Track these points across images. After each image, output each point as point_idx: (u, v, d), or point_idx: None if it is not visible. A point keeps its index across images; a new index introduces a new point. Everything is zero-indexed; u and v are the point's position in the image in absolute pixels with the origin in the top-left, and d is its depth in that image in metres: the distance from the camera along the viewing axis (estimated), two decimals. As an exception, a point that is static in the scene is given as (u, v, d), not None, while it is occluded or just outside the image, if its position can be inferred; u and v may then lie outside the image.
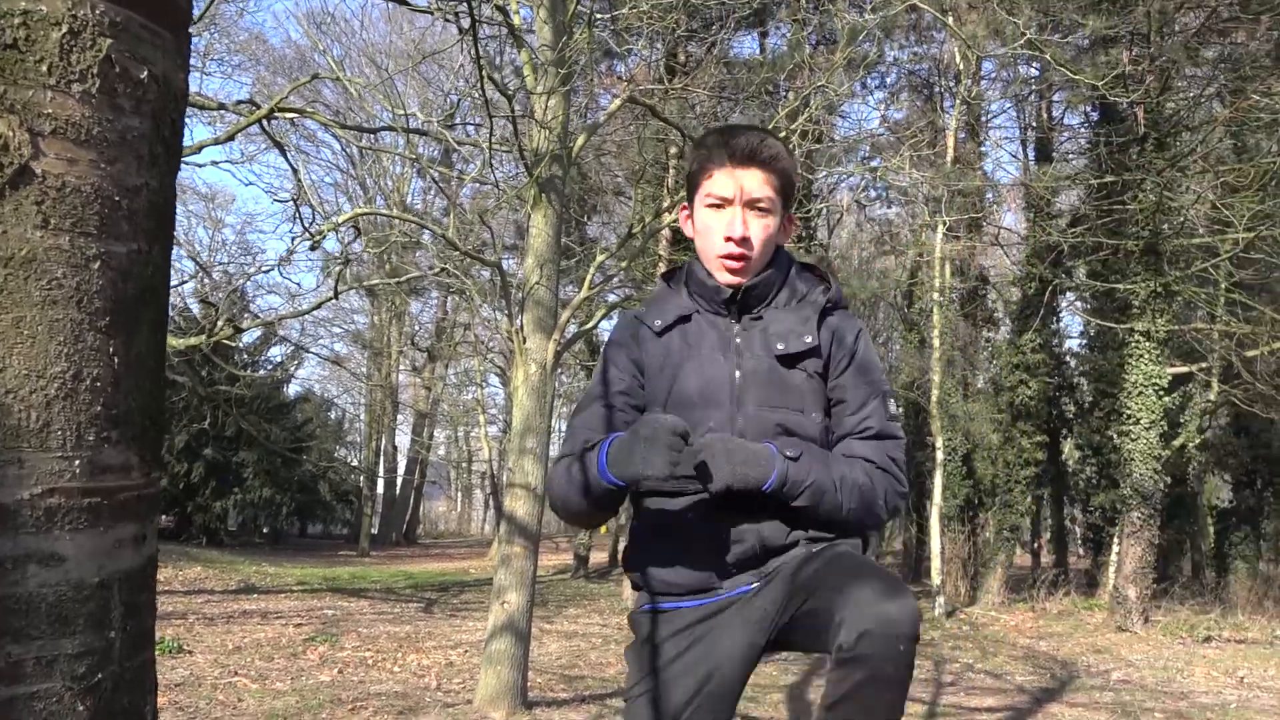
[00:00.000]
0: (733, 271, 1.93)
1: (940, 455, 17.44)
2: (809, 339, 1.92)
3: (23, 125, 0.93)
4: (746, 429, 1.89)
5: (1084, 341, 20.47)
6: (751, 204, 1.91)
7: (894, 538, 24.11)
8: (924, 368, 19.88)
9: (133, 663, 1.03)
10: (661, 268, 17.25)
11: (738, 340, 1.95)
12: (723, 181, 1.92)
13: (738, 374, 1.91)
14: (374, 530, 29.25)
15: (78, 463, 0.97)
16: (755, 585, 1.87)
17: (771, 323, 1.94)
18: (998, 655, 11.15)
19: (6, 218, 0.93)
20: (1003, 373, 19.35)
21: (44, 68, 0.94)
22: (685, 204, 2.06)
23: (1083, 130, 19.96)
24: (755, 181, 1.91)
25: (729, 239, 1.90)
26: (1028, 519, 20.18)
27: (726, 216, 1.92)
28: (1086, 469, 20.18)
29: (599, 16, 9.17)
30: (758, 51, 19.86)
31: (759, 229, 1.92)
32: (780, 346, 1.91)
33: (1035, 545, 23.58)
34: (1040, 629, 13.88)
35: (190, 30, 1.14)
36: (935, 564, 16.50)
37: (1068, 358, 20.66)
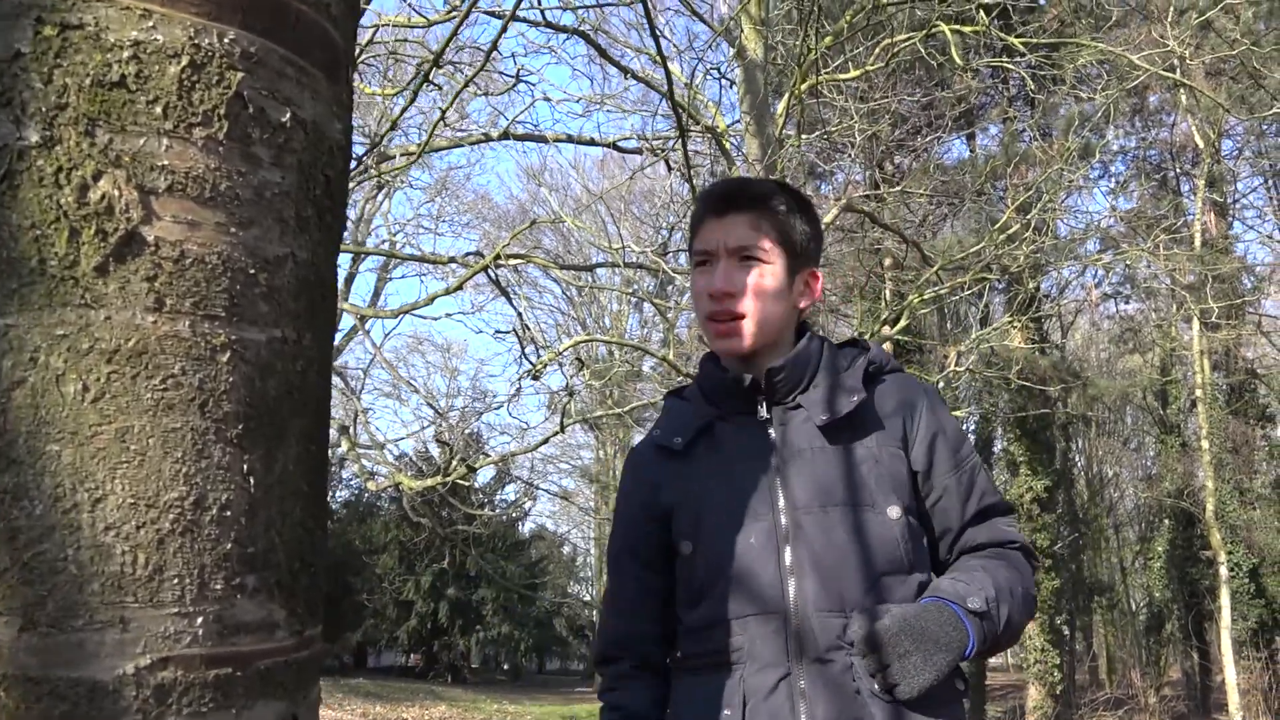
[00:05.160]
0: (722, 334, 1.56)
1: (1224, 572, 15.49)
2: (856, 397, 1.51)
3: (131, 181, 0.73)
4: (794, 537, 1.47)
5: (1387, 432, 17.96)
6: (735, 253, 1.55)
7: (1170, 667, 21.52)
8: (1189, 473, 17.98)
9: None
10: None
11: (773, 434, 1.55)
12: (704, 234, 1.58)
13: (775, 466, 1.52)
14: (609, 666, 29.00)
15: (200, 621, 0.72)
16: None
17: (816, 402, 1.54)
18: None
19: (110, 299, 0.72)
20: (1288, 474, 17.22)
21: (158, 109, 0.74)
22: None
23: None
24: (739, 228, 1.55)
25: (711, 294, 1.54)
26: (1342, 642, 17.46)
27: (709, 272, 1.56)
28: None
29: (805, 138, 9.04)
30: (966, 154, 19.28)
31: (749, 278, 1.54)
32: (824, 416, 1.50)
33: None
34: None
35: (351, 76, 0.94)
36: (1233, 697, 14.45)
37: (1369, 452, 18.14)
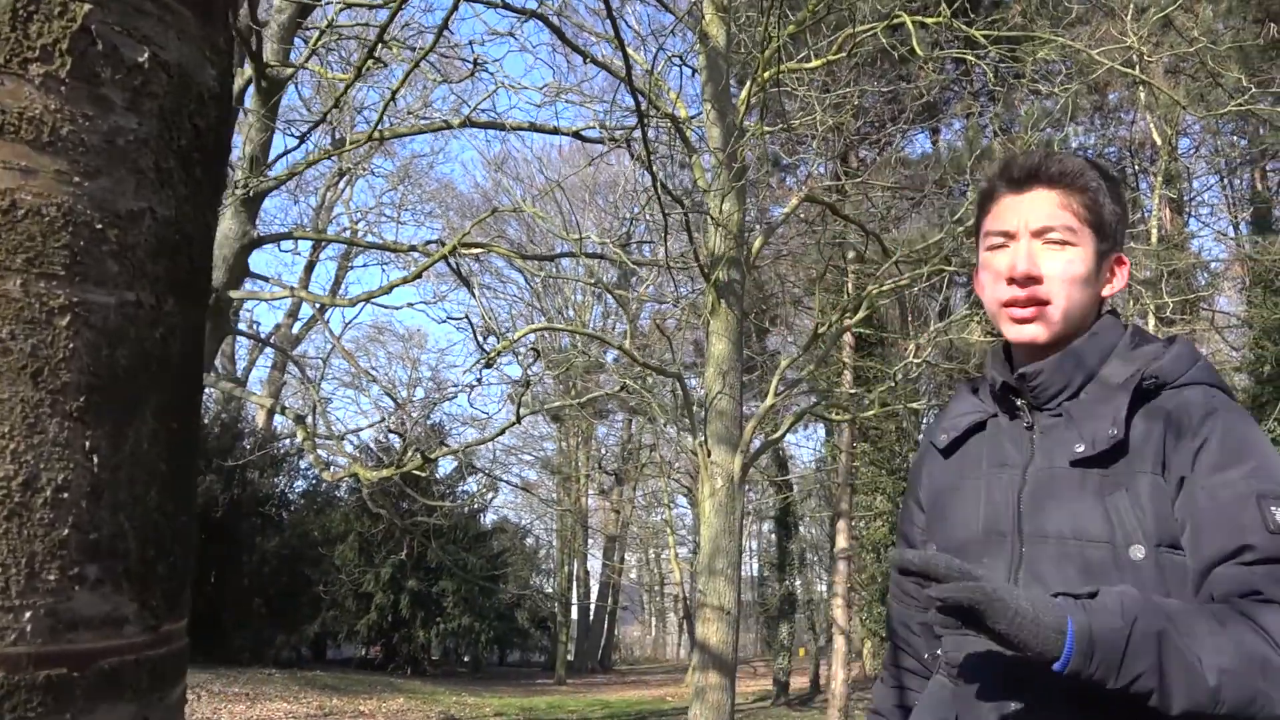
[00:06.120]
0: (1020, 321, 1.41)
1: (1177, 562, 15.71)
2: (1113, 430, 1.31)
3: (-48, 121, 0.65)
4: (1027, 566, 1.34)
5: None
6: (1040, 234, 1.40)
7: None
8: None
9: None
10: (847, 375, 16.62)
11: (1032, 444, 1.42)
12: (1001, 212, 1.44)
13: (1023, 483, 1.39)
14: (570, 657, 28.98)
15: (29, 615, 0.65)
16: None
17: (1080, 418, 1.37)
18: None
19: (-74, 254, 0.63)
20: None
21: (-14, 42, 0.66)
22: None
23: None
24: (1044, 205, 1.41)
25: (1010, 279, 1.40)
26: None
27: (1008, 254, 1.42)
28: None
29: (768, 130, 9.01)
30: (930, 149, 19.39)
31: (1055, 263, 1.39)
32: (1079, 448, 1.33)
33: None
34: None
35: (232, 21, 0.86)
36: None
37: (1320, 447, 18.45)
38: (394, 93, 4.77)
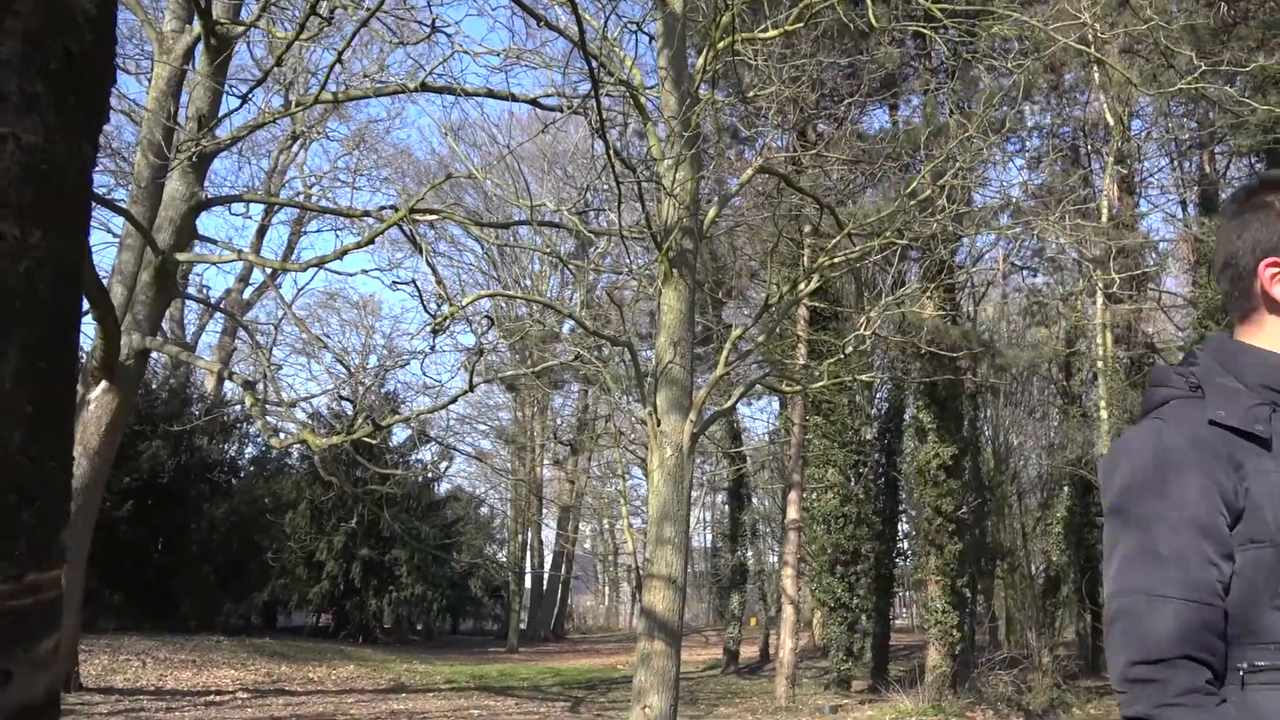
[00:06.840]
0: None
1: (1119, 537, 16.03)
2: None
3: None
4: None
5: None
6: None
7: (1066, 628, 22.37)
8: (1089, 442, 18.55)
9: None
10: (801, 349, 16.69)
11: None
12: None
13: None
14: (523, 626, 29.07)
15: None
16: None
17: None
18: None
19: None
20: (1181, 444, 17.87)
21: None
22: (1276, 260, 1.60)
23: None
24: None
25: None
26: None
27: None
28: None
29: (723, 100, 8.95)
30: (888, 125, 19.43)
31: None
32: None
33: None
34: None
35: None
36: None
37: (1257, 426, 18.86)
38: (340, 53, 4.65)
